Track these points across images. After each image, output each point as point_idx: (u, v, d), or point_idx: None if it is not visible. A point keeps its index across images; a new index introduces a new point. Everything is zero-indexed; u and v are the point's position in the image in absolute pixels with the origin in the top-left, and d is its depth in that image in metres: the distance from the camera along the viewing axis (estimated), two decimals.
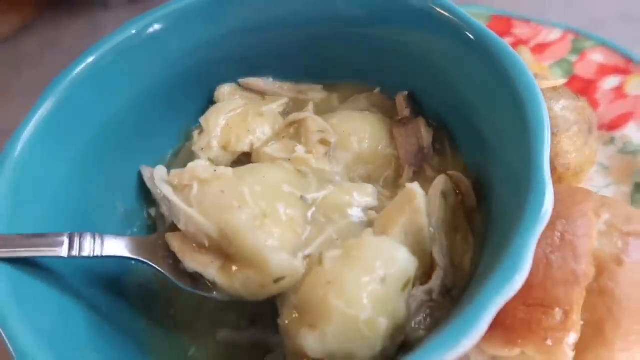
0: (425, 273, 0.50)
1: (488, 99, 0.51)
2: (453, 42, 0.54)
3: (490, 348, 0.53)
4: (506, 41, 0.82)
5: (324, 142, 0.58)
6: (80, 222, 0.56)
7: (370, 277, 0.45)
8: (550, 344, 0.50)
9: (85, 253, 0.49)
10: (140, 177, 0.66)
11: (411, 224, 0.50)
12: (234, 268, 0.50)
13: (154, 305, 0.60)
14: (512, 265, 0.37)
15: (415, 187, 0.52)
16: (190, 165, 0.52)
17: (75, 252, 0.49)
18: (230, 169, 0.52)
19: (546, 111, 0.45)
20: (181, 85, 0.65)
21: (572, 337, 0.50)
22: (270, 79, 0.70)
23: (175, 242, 0.53)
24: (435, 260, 0.50)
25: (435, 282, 0.49)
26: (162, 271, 0.53)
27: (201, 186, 0.50)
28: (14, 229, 0.49)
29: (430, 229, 0.51)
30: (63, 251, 0.48)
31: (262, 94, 0.69)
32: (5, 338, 0.42)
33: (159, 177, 0.53)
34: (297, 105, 0.69)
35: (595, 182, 0.71)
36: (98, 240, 0.51)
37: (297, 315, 0.48)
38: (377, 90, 0.68)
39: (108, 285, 0.58)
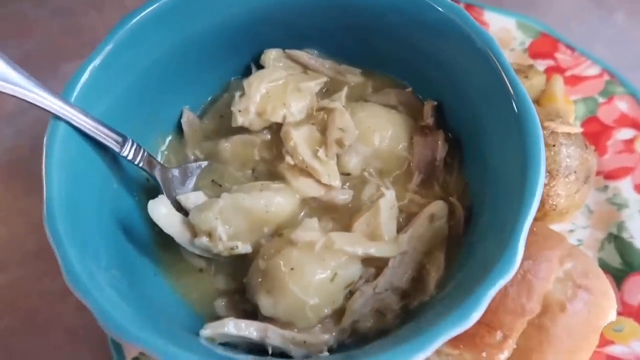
0: (377, 267, 0.60)
1: (499, 133, 0.58)
2: (473, 57, 0.59)
3: None
4: (546, 63, 0.86)
5: (339, 142, 0.64)
6: None
7: (324, 273, 0.56)
8: (484, 356, 0.60)
9: (130, 157, 0.61)
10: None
11: (373, 219, 0.61)
12: None
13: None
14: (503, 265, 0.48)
15: (386, 192, 0.62)
16: None
17: (125, 153, 0.60)
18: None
19: (544, 169, 0.51)
20: (229, 38, 0.68)
21: (504, 356, 0.59)
22: (315, 53, 0.73)
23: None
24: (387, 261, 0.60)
25: (381, 279, 0.59)
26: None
27: None
28: None
29: (402, 235, 0.61)
30: (119, 147, 0.59)
31: (304, 66, 0.72)
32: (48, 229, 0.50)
33: None
34: (334, 84, 0.72)
35: (577, 220, 0.76)
36: (144, 154, 0.62)
37: (260, 279, 0.58)
38: (410, 89, 0.73)
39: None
